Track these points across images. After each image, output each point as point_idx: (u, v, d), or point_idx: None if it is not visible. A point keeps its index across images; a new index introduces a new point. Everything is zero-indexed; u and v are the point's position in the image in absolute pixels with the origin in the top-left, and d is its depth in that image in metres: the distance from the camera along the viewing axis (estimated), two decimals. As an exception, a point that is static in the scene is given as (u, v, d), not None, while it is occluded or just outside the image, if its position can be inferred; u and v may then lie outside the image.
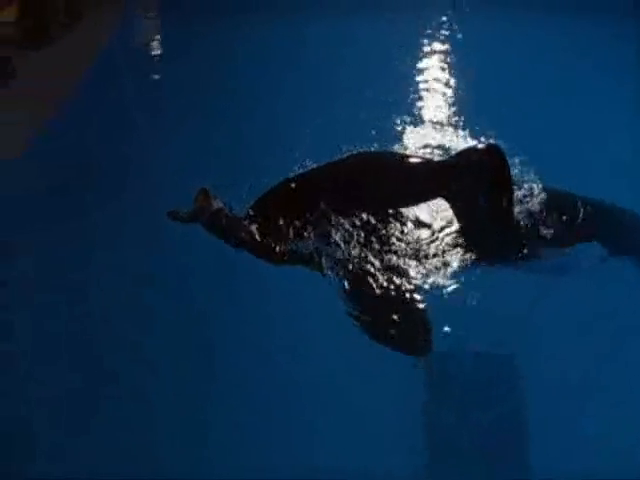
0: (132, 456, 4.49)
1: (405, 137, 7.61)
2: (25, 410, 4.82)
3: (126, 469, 4.42)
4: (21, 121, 8.01)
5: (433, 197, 6.15)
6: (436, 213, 6.05)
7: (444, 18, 11.02)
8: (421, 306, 5.35)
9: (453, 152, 6.69)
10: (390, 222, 6.00)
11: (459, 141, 7.40)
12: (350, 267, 5.66)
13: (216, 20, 10.60)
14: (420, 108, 8.39)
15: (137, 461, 4.48)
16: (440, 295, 5.47)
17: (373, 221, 5.98)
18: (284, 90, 8.76)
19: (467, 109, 8.20)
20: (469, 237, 5.89)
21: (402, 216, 6.03)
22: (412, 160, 6.64)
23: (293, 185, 6.25)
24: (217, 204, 5.99)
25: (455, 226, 5.96)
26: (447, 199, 6.11)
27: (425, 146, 7.28)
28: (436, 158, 6.71)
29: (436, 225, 5.97)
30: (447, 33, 10.55)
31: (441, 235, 5.90)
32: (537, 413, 4.81)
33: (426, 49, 10.10)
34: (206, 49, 9.80)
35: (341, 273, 5.61)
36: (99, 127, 7.82)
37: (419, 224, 5.98)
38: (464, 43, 10.20)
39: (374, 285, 5.59)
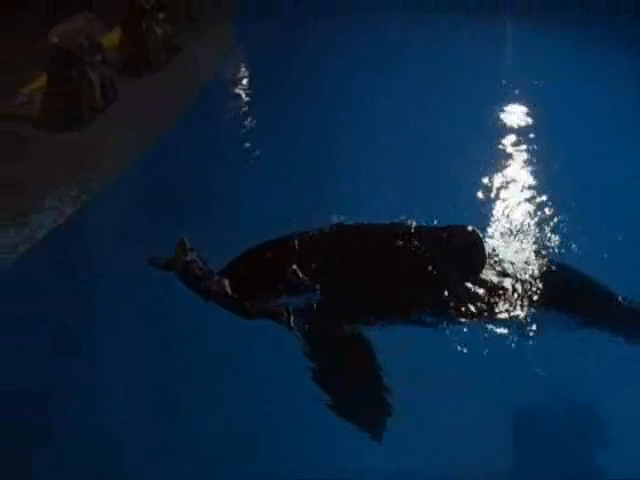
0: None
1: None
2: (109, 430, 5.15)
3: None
4: (121, 145, 8.49)
5: (405, 265, 6.24)
6: (406, 280, 6.13)
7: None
8: (383, 384, 5.35)
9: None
10: (360, 287, 6.06)
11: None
12: (316, 328, 5.75)
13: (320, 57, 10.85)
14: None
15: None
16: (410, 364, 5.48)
17: (344, 286, 6.09)
18: (379, 111, 9.04)
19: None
20: (439, 306, 5.95)
21: (373, 282, 6.09)
22: (388, 230, 6.66)
23: (270, 248, 6.43)
24: (191, 256, 6.25)
25: (425, 294, 6.03)
26: (419, 268, 6.20)
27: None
28: (414, 229, 6.69)
29: (405, 292, 6.03)
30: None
31: (409, 302, 5.97)
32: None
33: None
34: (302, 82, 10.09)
35: (308, 332, 5.69)
36: (193, 158, 8.17)
37: (389, 290, 6.04)
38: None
39: (338, 351, 5.69)
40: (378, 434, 5.02)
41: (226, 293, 6.01)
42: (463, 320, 5.86)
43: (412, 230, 6.57)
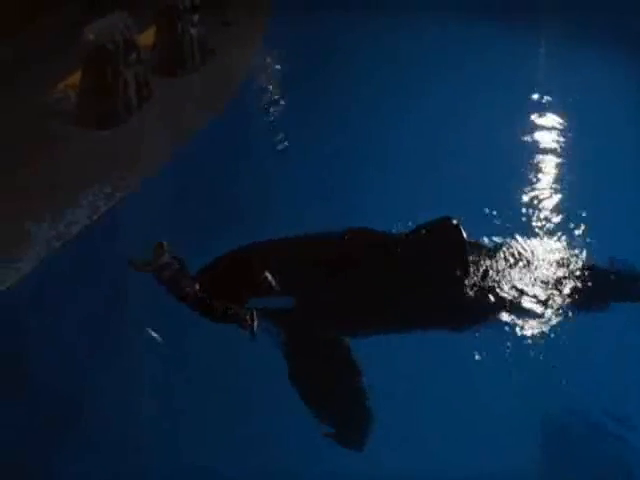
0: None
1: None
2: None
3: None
4: (155, 143, 8.60)
5: (384, 268, 6.29)
6: (385, 283, 6.19)
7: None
8: (361, 389, 5.41)
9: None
10: (340, 294, 6.13)
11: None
12: (291, 335, 5.80)
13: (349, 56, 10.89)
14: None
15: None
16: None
17: (323, 292, 6.14)
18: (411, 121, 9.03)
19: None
20: (420, 308, 6.03)
21: (354, 288, 6.16)
22: (366, 235, 6.73)
23: (247, 252, 6.53)
24: (167, 259, 6.41)
25: (405, 296, 6.09)
26: (401, 270, 6.27)
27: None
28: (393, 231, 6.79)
29: (384, 295, 6.10)
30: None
31: (388, 305, 6.02)
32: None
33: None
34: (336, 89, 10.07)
35: (282, 339, 5.77)
36: (225, 158, 8.22)
37: (364, 294, 6.12)
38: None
39: (314, 358, 5.74)
40: (359, 444, 5.08)
41: (196, 296, 6.13)
42: (455, 325, 5.90)
43: (395, 234, 6.63)
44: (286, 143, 8.57)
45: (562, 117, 9.28)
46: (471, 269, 6.23)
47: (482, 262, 6.35)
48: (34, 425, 5.26)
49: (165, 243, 6.39)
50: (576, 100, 9.73)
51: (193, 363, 5.77)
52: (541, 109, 9.49)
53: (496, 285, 6.20)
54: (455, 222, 6.33)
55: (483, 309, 6.01)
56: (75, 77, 8.96)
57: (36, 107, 8.71)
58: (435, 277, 6.18)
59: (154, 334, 5.88)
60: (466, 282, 6.15)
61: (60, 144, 8.16)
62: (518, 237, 6.91)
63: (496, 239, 6.84)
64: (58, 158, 7.91)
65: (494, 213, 7.25)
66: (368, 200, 7.59)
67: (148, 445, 5.23)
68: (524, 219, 7.29)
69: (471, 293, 6.10)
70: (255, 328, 5.82)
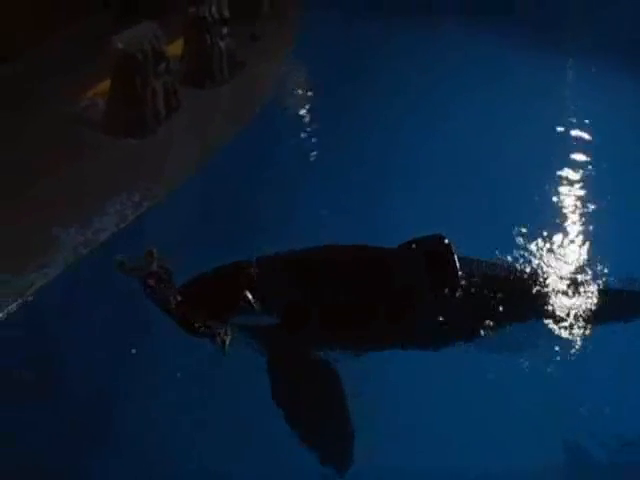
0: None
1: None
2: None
3: None
4: (183, 153, 8.62)
5: (372, 285, 6.23)
6: (375, 303, 6.14)
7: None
8: (343, 409, 5.40)
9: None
10: (325, 310, 6.06)
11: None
12: (272, 352, 5.81)
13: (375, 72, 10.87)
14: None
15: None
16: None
17: (306, 309, 6.09)
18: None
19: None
20: (409, 325, 6.02)
21: (339, 305, 6.12)
22: (355, 251, 6.64)
23: (234, 268, 6.45)
24: (154, 267, 6.42)
25: (394, 312, 6.07)
26: (388, 285, 6.23)
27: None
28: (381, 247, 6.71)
29: (368, 310, 6.07)
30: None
31: (375, 322, 6.00)
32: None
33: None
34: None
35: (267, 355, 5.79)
36: (253, 168, 8.26)
37: (355, 313, 6.07)
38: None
39: (295, 376, 5.73)
40: (344, 466, 5.07)
41: (178, 307, 6.14)
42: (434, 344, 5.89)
43: (382, 250, 6.55)
44: (311, 157, 8.62)
45: (584, 139, 9.31)
46: (462, 287, 6.22)
47: (485, 280, 6.37)
48: (61, 429, 5.31)
49: (155, 251, 6.41)
50: (599, 122, 9.70)
51: (214, 371, 5.79)
52: (565, 132, 9.48)
53: (499, 303, 6.22)
54: (447, 241, 6.26)
55: (470, 327, 6.04)
56: (104, 85, 9.05)
57: (65, 114, 8.80)
58: (425, 294, 6.22)
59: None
60: (456, 300, 6.17)
61: (89, 151, 8.24)
62: (536, 256, 6.94)
63: (516, 259, 6.87)
64: (87, 165, 7.98)
65: (516, 232, 7.26)
66: (391, 216, 7.61)
67: (172, 452, 5.28)
68: (545, 239, 7.28)
69: (459, 311, 6.13)
70: (227, 344, 5.80)
